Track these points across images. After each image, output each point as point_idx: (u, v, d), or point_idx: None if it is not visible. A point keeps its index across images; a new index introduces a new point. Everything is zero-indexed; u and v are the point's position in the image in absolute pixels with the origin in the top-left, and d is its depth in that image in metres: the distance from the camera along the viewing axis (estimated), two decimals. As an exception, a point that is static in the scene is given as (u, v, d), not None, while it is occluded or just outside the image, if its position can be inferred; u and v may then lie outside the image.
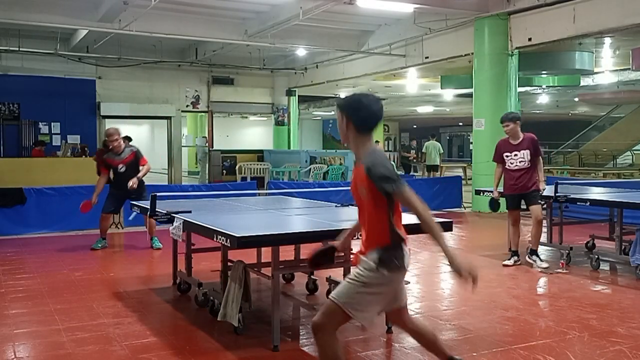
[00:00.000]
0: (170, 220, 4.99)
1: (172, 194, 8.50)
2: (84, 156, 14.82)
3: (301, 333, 4.72)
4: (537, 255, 6.86)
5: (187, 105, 19.31)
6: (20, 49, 14.90)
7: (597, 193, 7.72)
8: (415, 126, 42.52)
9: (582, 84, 20.02)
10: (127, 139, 15.29)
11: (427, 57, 14.30)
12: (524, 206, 6.88)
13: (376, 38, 15.58)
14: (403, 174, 18.15)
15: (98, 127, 17.09)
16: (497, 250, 7.61)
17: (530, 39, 11.67)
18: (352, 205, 3.50)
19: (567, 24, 10.88)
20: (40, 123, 16.44)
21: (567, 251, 7.09)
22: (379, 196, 3.00)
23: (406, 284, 3.51)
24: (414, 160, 21.14)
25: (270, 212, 5.73)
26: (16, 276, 6.58)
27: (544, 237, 7.24)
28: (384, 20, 14.69)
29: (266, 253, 5.29)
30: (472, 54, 12.59)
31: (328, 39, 15.55)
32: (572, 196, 6.89)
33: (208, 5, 13.09)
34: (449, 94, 23.49)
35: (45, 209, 9.64)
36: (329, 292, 5.37)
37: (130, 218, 7.32)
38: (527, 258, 6.97)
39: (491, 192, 7.20)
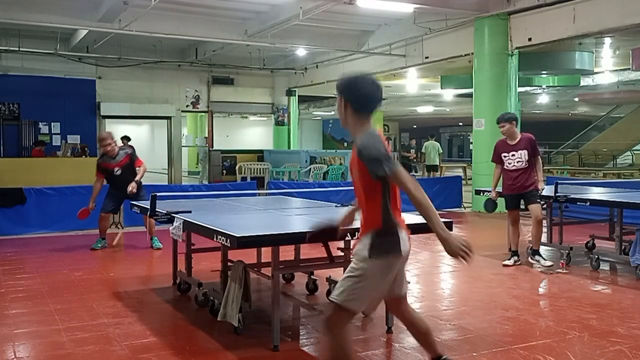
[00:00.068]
0: (170, 220, 4.99)
1: (172, 194, 8.50)
2: (84, 156, 14.83)
3: (301, 333, 4.72)
4: (540, 255, 6.86)
5: (187, 105, 19.30)
6: (20, 49, 14.89)
7: (597, 193, 7.72)
8: (415, 126, 42.54)
9: (582, 84, 20.03)
10: (126, 138, 15.40)
11: (427, 57, 14.30)
12: (523, 206, 6.90)
13: (376, 38, 15.58)
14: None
15: (98, 127, 17.09)
16: (497, 250, 7.61)
17: (530, 39, 11.67)
18: (352, 205, 3.49)
19: (567, 24, 10.88)
20: (40, 123, 16.43)
21: (567, 251, 7.09)
22: (372, 178, 2.95)
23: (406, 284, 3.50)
24: (414, 160, 21.14)
25: (270, 212, 5.73)
26: (16, 276, 6.58)
27: (544, 237, 7.23)
28: (384, 20, 14.69)
29: (266, 253, 5.30)
30: (472, 54, 12.59)
31: (328, 39, 15.54)
32: (572, 196, 6.89)
33: (208, 5, 13.09)
34: (449, 94, 23.49)
35: (45, 209, 9.64)
36: (329, 292, 5.38)
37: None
38: (529, 259, 6.97)
39: (490, 192, 7.22)
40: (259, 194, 8.82)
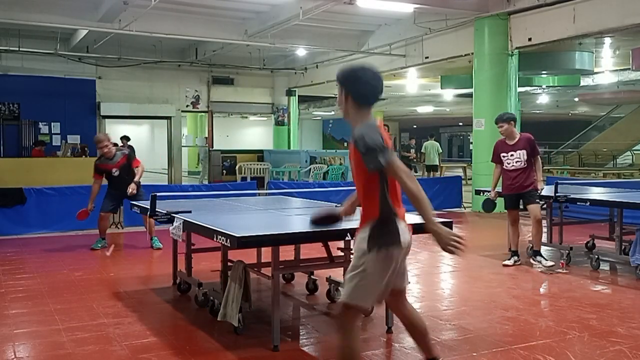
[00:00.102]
0: (170, 220, 4.99)
1: (172, 194, 8.50)
2: (84, 156, 14.82)
3: (301, 333, 4.72)
4: (541, 255, 6.85)
5: (187, 105, 19.31)
6: (20, 49, 14.90)
7: (597, 193, 7.72)
8: (415, 126, 42.53)
9: (582, 84, 20.02)
10: (126, 138, 15.42)
11: (427, 57, 14.30)
12: (522, 206, 6.90)
13: (376, 38, 15.58)
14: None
15: (98, 127, 17.10)
16: (497, 250, 7.61)
17: (530, 39, 11.67)
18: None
19: (567, 24, 10.88)
20: (40, 123, 16.45)
21: (567, 251, 7.09)
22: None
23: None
24: (414, 160, 21.13)
25: (270, 212, 5.73)
26: (16, 276, 6.58)
27: (544, 237, 7.23)
28: (384, 20, 14.69)
29: (266, 253, 5.30)
30: (472, 54, 12.59)
31: (328, 39, 15.55)
32: (572, 196, 6.89)
33: (208, 5, 13.09)
34: (449, 94, 23.49)
35: (45, 209, 9.64)
36: (329, 292, 5.39)
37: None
38: (530, 259, 6.97)
39: (490, 192, 7.22)
40: (259, 194, 8.82)
